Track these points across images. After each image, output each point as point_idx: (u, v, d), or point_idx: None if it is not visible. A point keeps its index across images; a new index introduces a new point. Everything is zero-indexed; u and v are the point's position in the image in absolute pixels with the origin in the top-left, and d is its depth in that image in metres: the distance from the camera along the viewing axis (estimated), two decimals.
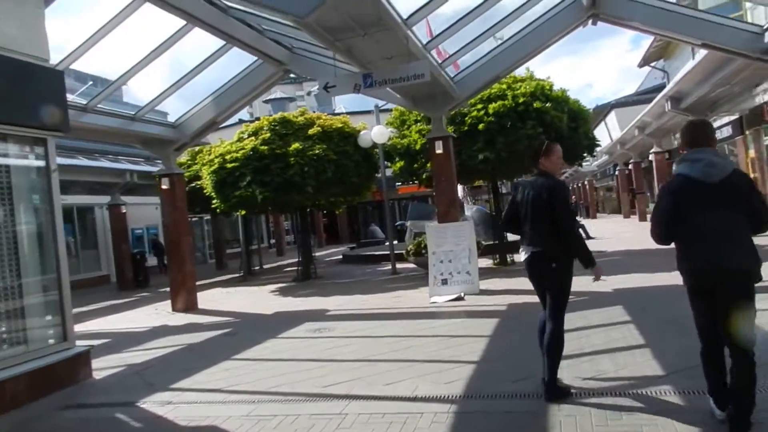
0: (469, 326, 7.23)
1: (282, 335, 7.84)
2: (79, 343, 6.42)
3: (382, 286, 12.44)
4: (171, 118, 11.71)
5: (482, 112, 12.56)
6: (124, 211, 18.95)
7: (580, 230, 20.29)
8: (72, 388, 5.90)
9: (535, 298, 4.78)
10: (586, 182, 41.84)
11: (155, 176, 11.83)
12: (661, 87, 33.91)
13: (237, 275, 18.66)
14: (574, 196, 48.53)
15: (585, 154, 13.91)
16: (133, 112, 10.39)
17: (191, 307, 11.54)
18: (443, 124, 10.68)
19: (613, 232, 21.45)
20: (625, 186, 32.21)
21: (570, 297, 4.53)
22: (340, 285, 13.78)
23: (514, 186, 4.64)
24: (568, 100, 13.27)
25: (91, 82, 23.89)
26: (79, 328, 10.55)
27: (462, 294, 9.68)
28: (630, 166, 27.90)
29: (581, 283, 8.27)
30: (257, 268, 21.77)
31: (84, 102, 9.28)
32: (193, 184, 17.09)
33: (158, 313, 11.67)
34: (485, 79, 10.33)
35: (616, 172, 32.31)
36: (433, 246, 10.39)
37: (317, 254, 26.04)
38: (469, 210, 20.47)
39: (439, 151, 10.41)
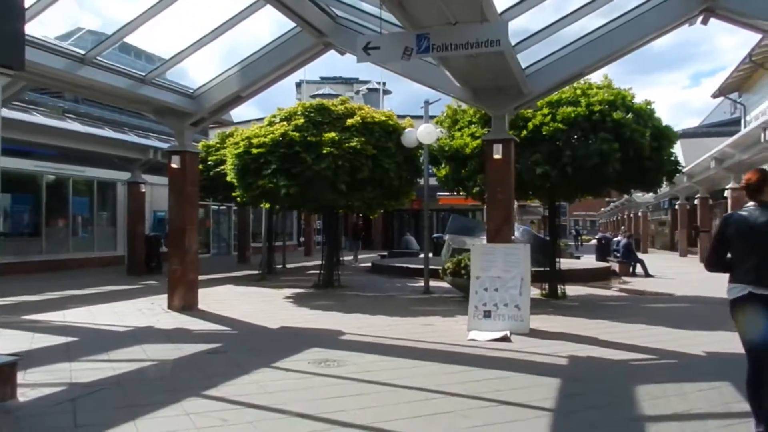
0: (521, 387, 5.41)
1: (278, 364, 6.15)
2: (34, 339, 4.89)
3: (411, 308, 10.67)
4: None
5: (548, 117, 10.70)
6: (143, 190, 17.65)
7: (639, 266, 18.23)
8: None
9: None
10: (639, 213, 39.16)
11: (165, 153, 10.32)
12: (736, 121, 31.44)
13: (257, 272, 17.11)
14: (623, 228, 45.82)
15: (665, 180, 11.88)
16: (144, 73, 8.91)
17: (189, 306, 10.00)
18: (506, 124, 8.89)
19: (673, 272, 19.21)
20: (684, 222, 29.66)
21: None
22: (363, 299, 12.07)
23: (724, 220, 4.08)
24: (652, 115, 11.28)
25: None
26: (54, 316, 9.26)
27: (508, 333, 7.85)
28: (696, 201, 25.47)
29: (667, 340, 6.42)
30: (280, 266, 20.28)
31: (82, 52, 7.80)
32: (219, 169, 15.71)
33: (152, 308, 10.15)
34: (563, 76, 8.50)
35: (677, 206, 29.80)
36: (477, 269, 8.59)
37: (346, 258, 24.47)
38: (516, 230, 18.51)
39: (497, 156, 8.62)
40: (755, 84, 26.61)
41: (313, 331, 8.19)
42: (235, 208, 25.23)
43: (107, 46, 7.87)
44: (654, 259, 19.74)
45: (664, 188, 16.29)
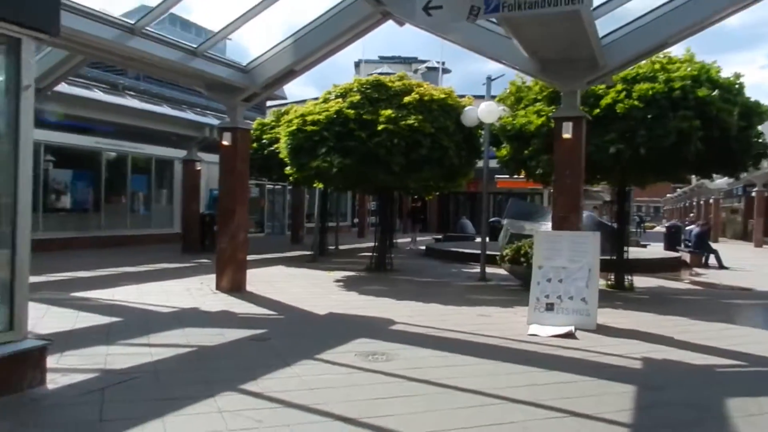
0: (590, 394, 4.79)
1: (323, 355, 5.73)
2: (78, 319, 4.66)
3: (466, 296, 10.10)
4: None
5: (623, 95, 9.82)
6: (198, 168, 17.62)
7: (712, 257, 16.98)
8: (3, 399, 4.08)
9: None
10: (711, 200, 36.99)
11: (217, 129, 10.03)
12: None
13: (309, 253, 16.84)
14: (692, 216, 43.53)
15: (751, 164, 10.77)
16: (195, 45, 8.58)
17: (237, 287, 9.75)
18: (577, 100, 8.13)
19: (749, 263, 17.83)
20: (762, 210, 27.72)
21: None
22: (416, 284, 11.57)
23: None
24: (741, 91, 10.21)
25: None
26: (103, 294, 9.14)
27: (573, 329, 7.19)
28: None
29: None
30: (332, 248, 20.01)
31: (131, 21, 7.51)
32: (273, 147, 15.44)
33: (200, 289, 9.96)
34: (644, 47, 7.66)
35: (753, 193, 27.85)
36: (540, 258, 7.93)
37: (400, 241, 24.01)
38: None
39: (566, 135, 7.90)
40: None
41: (361, 319, 7.76)
42: (289, 187, 25.10)
43: (156, 16, 7.54)
44: (726, 249, 18.36)
45: (751, 172, 14.93)
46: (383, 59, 56.03)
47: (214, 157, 19.45)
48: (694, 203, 48.57)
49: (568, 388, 4.89)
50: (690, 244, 17.56)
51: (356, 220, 32.18)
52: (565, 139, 7.93)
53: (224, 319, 7.45)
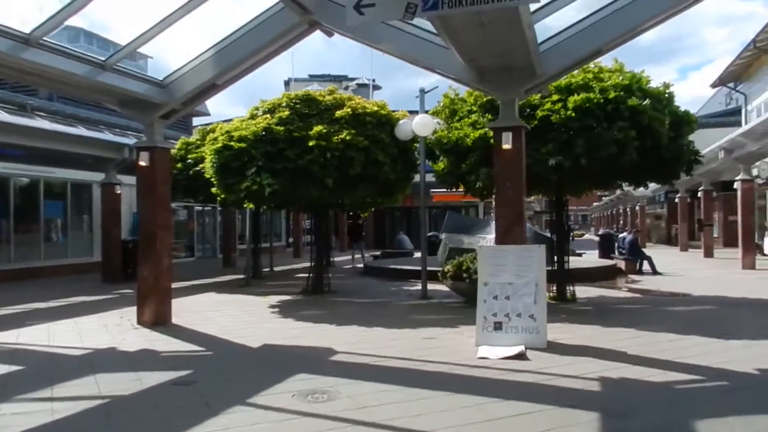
0: (554, 426, 4.39)
1: (257, 398, 5.09)
2: None
3: (409, 317, 9.64)
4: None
5: (559, 105, 9.70)
6: (118, 191, 16.47)
7: (646, 263, 17.28)
8: None
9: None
10: (637, 208, 38.34)
11: (134, 149, 9.22)
12: (734, 111, 30.62)
13: (242, 277, 15.97)
14: (621, 224, 45.08)
15: (684, 171, 10.88)
16: (103, 59, 7.80)
17: (162, 320, 8.91)
18: (515, 110, 7.87)
19: (679, 268, 18.30)
20: (685, 215, 28.83)
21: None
22: (356, 306, 11.03)
23: None
24: (671, 101, 10.31)
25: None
26: (6, 336, 7.98)
27: (524, 349, 6.83)
28: (699, 194, 24.57)
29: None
30: (267, 270, 19.19)
31: (26, 31, 6.67)
32: (199, 167, 14.59)
33: (119, 324, 9.05)
34: (581, 53, 7.47)
35: (676, 199, 28.91)
36: (485, 275, 7.56)
37: (337, 259, 23.41)
38: None
39: (506, 146, 7.61)
40: (756, 72, 25.82)
41: (299, 351, 7.14)
42: (219, 208, 24.08)
43: (55, 24, 6.72)
44: (654, 255, 18.74)
45: (683, 179, 15.20)
46: (313, 77, 55.47)
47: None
48: (620, 210, 50.44)
49: (528, 422, 4.47)
50: (624, 251, 17.83)
51: (291, 240, 31.35)
52: (505, 150, 7.64)
53: (144, 360, 6.66)
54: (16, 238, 16.64)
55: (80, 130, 17.11)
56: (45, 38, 6.85)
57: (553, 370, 5.96)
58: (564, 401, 4.91)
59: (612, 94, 9.62)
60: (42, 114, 16.95)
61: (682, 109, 10.59)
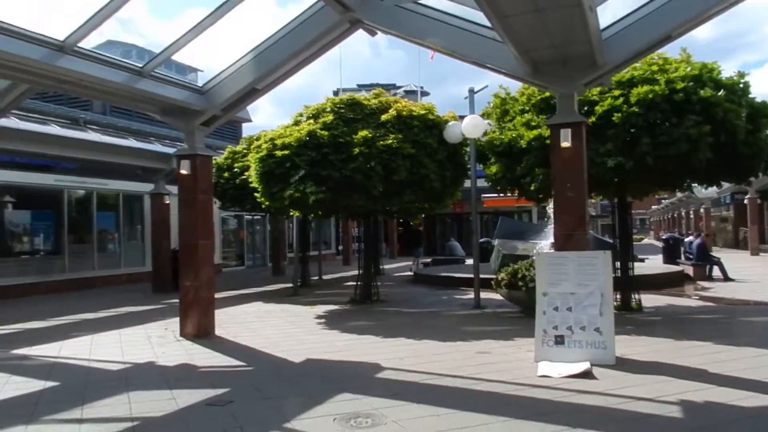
0: None
1: (295, 423, 4.66)
2: (7, 385, 3.54)
3: (462, 328, 9.07)
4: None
5: (620, 100, 9.00)
6: (167, 201, 16.51)
7: (717, 268, 16.12)
8: None
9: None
10: (702, 210, 36.41)
11: (174, 157, 9.02)
12: None
13: (290, 286, 15.68)
14: (683, 228, 42.84)
15: (762, 169, 9.92)
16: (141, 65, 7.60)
17: (204, 332, 8.66)
18: (575, 105, 7.23)
19: (752, 273, 17.00)
20: (755, 217, 27.09)
21: None
22: (405, 317, 10.52)
23: None
24: (746, 91, 9.43)
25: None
26: (49, 349, 7.85)
27: (590, 366, 6.19)
28: None
29: None
30: (315, 278, 18.93)
31: (60, 38, 6.51)
32: (245, 176, 14.44)
33: (162, 336, 8.84)
34: (647, 40, 6.76)
35: (745, 200, 27.17)
36: (544, 284, 6.95)
37: (387, 266, 22.97)
38: None
39: (565, 143, 6.98)
40: None
41: (344, 366, 6.69)
42: (269, 216, 24.04)
43: (88, 30, 6.54)
44: (723, 259, 17.49)
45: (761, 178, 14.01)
46: (361, 86, 55.56)
47: None
48: (682, 214, 48.13)
49: None
50: (691, 256, 16.71)
51: (341, 247, 31.11)
52: (564, 149, 7.02)
53: (182, 376, 6.34)
54: (71, 248, 16.89)
55: (130, 142, 17.32)
56: (80, 45, 6.67)
57: (625, 391, 5.30)
58: (643, 430, 4.28)
59: (680, 86, 8.87)
60: (94, 127, 17.24)
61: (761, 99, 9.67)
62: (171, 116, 8.63)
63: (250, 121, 20.97)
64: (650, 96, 8.78)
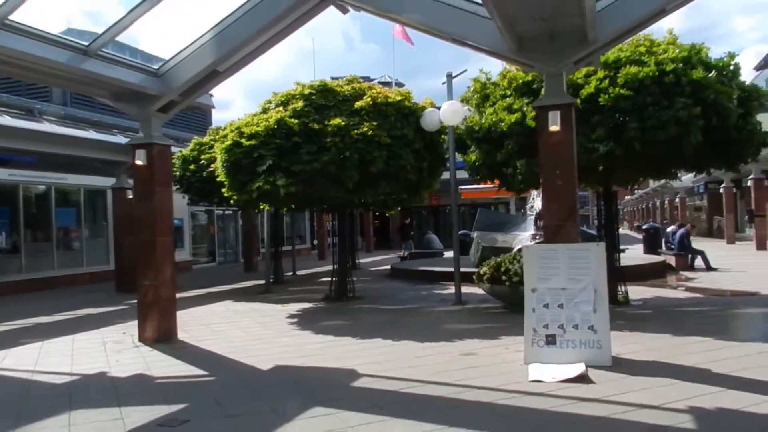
0: None
1: None
2: None
3: (443, 327, 8.54)
4: None
5: (606, 82, 8.50)
6: (130, 196, 15.65)
7: (699, 258, 15.85)
8: None
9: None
10: (677, 200, 36.50)
11: (130, 146, 8.28)
12: None
13: (262, 282, 14.97)
14: (658, 218, 43.09)
15: (751, 154, 9.52)
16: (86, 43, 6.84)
17: (165, 336, 7.97)
18: (563, 84, 6.69)
19: (734, 263, 16.79)
20: (731, 206, 27.10)
21: None
22: (383, 315, 9.95)
23: None
24: (737, 74, 9.01)
25: None
26: None
27: (585, 368, 5.68)
28: (749, 182, 22.95)
29: None
30: (290, 274, 18.26)
31: None
32: (212, 168, 13.69)
33: (120, 342, 8.13)
34: (642, 13, 6.24)
35: (721, 189, 27.13)
36: (533, 279, 6.41)
37: (363, 260, 22.36)
38: None
39: (554, 127, 6.44)
40: None
41: (316, 374, 6.08)
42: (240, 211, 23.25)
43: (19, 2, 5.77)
44: (703, 249, 17.26)
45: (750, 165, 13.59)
46: (335, 79, 54.67)
47: None
48: (657, 204, 48.41)
49: None
50: (673, 246, 16.42)
51: (316, 242, 30.41)
52: (553, 133, 6.47)
53: (134, 390, 5.67)
54: (28, 247, 15.95)
55: (90, 134, 16.41)
56: (12, 19, 5.91)
57: (627, 397, 4.79)
58: None
59: (670, 67, 8.41)
60: (51, 118, 16.27)
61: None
62: (124, 102, 7.89)
63: (213, 107, 20.15)
64: (640, 76, 8.30)
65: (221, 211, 24.54)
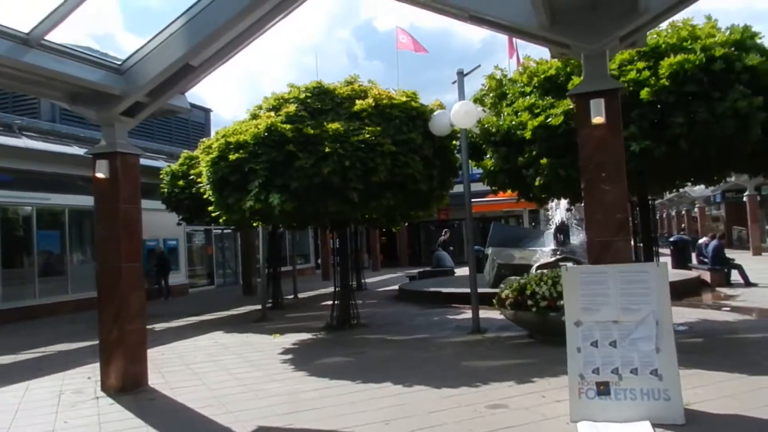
0: None
1: None
2: None
3: (461, 365, 7.21)
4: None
5: (646, 73, 7.27)
6: None
7: (736, 271, 14.42)
8: None
9: None
10: (696, 210, 35.04)
11: (92, 157, 7.06)
12: None
13: (260, 307, 13.63)
14: (670, 229, 41.51)
15: None
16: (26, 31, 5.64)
17: (133, 383, 6.69)
18: (606, 66, 5.44)
19: None
20: (755, 215, 25.65)
21: None
22: (390, 347, 8.65)
23: None
24: None
25: None
26: None
27: (652, 431, 4.37)
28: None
29: None
30: (290, 297, 16.98)
31: None
32: (200, 183, 12.50)
33: (80, 391, 6.86)
34: None
35: (745, 198, 25.68)
36: (576, 310, 5.11)
37: (369, 280, 21.03)
38: (575, 238, 14.93)
39: (598, 119, 5.17)
40: None
41: None
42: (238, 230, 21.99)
43: None
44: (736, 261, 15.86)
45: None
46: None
47: (148, 203, 16.42)
48: (672, 214, 46.87)
49: None
50: (706, 259, 15.02)
51: (319, 260, 29.10)
52: (596, 126, 5.20)
53: None
54: (5, 273, 14.71)
55: (74, 150, 15.29)
56: None
57: None
58: None
59: (719, 52, 7.17)
60: (31, 134, 15.18)
61: None
62: (81, 104, 6.68)
63: (189, 109, 19.05)
64: (686, 66, 7.06)
65: (219, 231, 23.32)
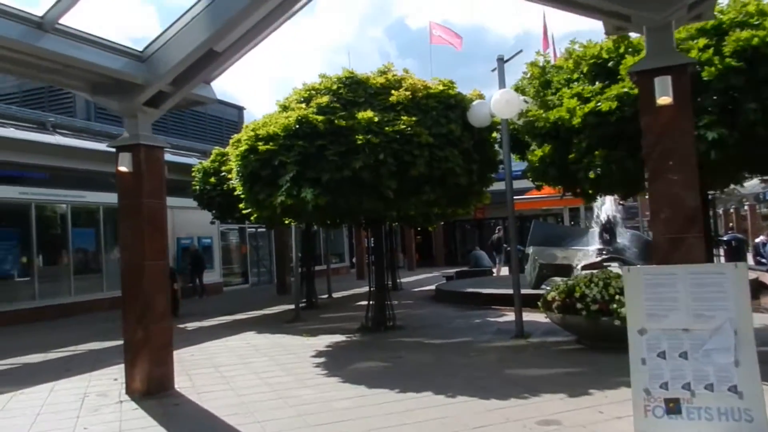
0: None
1: None
2: None
3: (506, 373, 6.65)
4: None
5: (709, 52, 6.58)
6: None
7: None
8: None
9: None
10: (746, 207, 33.42)
11: (115, 149, 6.76)
12: None
13: (293, 307, 13.25)
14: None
15: None
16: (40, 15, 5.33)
17: (159, 387, 6.36)
18: (673, 40, 4.83)
19: None
20: None
21: None
22: (428, 352, 8.14)
23: None
24: None
25: None
26: None
27: None
28: None
29: None
30: (325, 297, 16.60)
31: None
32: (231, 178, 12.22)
33: (105, 394, 6.56)
34: None
35: None
36: (640, 316, 4.51)
37: (405, 280, 20.55)
38: (622, 236, 14.14)
39: (664, 99, 4.57)
40: None
41: None
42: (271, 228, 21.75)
43: None
44: None
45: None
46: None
47: (182, 201, 16.34)
48: (720, 212, 44.98)
49: None
50: (764, 260, 14.08)
51: (354, 259, 28.72)
52: (662, 108, 4.61)
53: None
54: (42, 271, 14.74)
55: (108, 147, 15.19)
56: None
57: None
58: None
59: None
60: (64, 131, 15.16)
61: None
62: (102, 94, 6.39)
63: (215, 100, 18.90)
64: (755, 42, 6.37)
65: (254, 229, 23.15)
